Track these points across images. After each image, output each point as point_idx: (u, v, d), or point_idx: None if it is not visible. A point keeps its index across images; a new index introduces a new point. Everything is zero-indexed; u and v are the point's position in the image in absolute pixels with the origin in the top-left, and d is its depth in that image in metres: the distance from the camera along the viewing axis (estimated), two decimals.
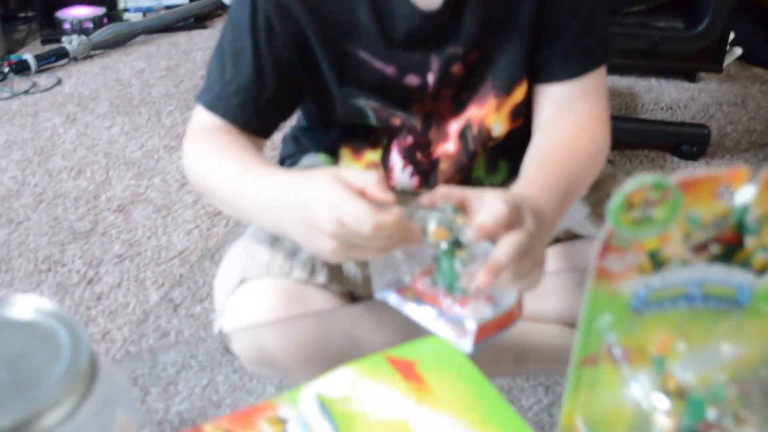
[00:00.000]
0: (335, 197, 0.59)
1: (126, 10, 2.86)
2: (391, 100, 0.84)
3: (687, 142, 1.91)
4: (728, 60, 2.27)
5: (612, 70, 2.14)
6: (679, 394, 0.45)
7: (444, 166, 0.88)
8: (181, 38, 2.74)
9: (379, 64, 0.81)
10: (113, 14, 2.84)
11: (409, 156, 0.88)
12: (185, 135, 0.82)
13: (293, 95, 0.85)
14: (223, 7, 2.85)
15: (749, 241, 0.43)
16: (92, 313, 1.40)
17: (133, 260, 1.54)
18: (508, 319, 0.65)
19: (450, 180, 0.89)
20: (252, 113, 0.80)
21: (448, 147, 0.88)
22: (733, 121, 2.15)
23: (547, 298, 0.76)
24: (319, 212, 0.59)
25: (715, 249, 0.43)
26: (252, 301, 0.75)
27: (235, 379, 0.98)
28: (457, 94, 0.85)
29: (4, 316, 0.39)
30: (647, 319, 0.48)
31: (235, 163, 0.74)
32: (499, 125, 0.87)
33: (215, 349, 0.89)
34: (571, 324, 0.81)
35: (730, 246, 0.44)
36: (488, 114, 0.86)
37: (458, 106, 0.86)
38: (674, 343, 0.46)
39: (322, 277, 0.76)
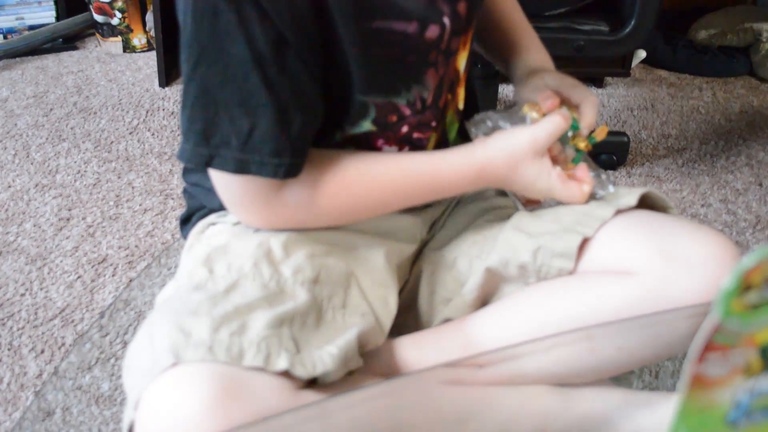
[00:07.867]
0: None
1: None
2: (408, 73, 0.76)
3: (607, 151, 1.85)
4: (634, 63, 2.23)
5: None
6: None
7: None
8: (49, 61, 2.49)
9: (399, 25, 0.72)
10: None
11: (405, 141, 0.80)
12: (240, 206, 0.74)
13: (318, 109, 0.72)
14: (95, 26, 2.60)
15: None
16: None
17: (4, 324, 1.34)
18: None
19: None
20: (290, 154, 0.68)
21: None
22: (647, 127, 2.12)
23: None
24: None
25: None
26: (182, 395, 0.56)
27: None
28: (454, 41, 0.78)
29: None
30: None
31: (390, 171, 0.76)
32: (464, 60, 0.82)
33: None
34: (559, 383, 0.70)
35: None
36: (460, 53, 0.81)
37: (448, 56, 0.79)
38: None
39: (282, 361, 0.60)
